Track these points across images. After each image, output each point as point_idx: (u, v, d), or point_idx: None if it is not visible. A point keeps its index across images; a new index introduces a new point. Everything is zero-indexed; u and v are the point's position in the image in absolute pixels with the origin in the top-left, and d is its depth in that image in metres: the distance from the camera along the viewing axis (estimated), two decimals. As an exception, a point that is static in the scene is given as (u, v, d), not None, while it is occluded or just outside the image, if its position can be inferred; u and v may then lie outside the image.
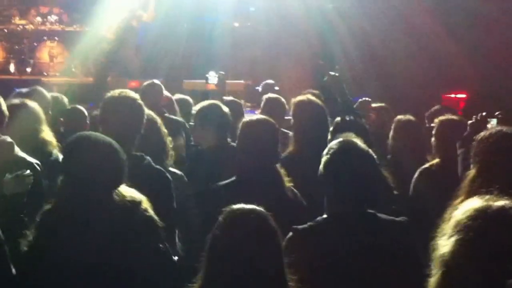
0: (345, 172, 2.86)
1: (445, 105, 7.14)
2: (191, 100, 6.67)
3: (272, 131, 3.68)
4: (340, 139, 3.02)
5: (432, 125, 4.60)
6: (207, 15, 11.84)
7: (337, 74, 4.61)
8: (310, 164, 3.31)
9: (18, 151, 3.87)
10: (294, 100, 4.66)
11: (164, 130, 4.33)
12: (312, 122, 4.38)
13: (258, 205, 2.51)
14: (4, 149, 3.78)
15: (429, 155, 4.55)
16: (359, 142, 2.99)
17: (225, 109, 4.77)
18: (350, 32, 10.62)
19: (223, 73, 6.67)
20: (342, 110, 4.37)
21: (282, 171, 3.63)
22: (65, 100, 6.08)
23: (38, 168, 3.86)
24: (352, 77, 8.95)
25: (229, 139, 4.65)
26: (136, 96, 3.89)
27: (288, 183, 3.61)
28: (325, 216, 2.90)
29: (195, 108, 5.07)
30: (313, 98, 4.66)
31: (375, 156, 2.96)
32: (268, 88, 7.52)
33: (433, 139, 4.39)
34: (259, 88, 7.81)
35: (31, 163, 3.83)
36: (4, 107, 3.95)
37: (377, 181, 3.10)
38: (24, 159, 3.84)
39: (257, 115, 4.37)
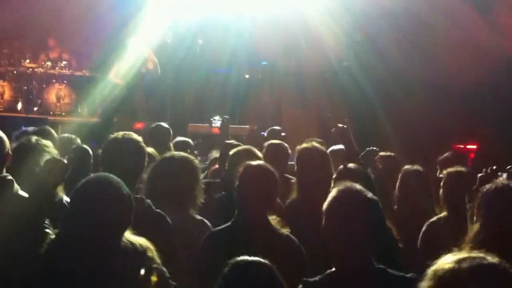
0: (346, 221, 2.76)
1: (457, 151, 7.01)
2: (191, 142, 6.64)
3: (269, 178, 3.56)
4: (341, 186, 2.92)
5: (440, 175, 4.49)
6: (219, 66, 11.98)
7: (345, 126, 4.55)
8: (313, 212, 3.19)
9: (18, 189, 3.75)
10: (299, 146, 4.59)
11: (196, 176, 4.20)
12: (316, 169, 4.31)
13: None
14: (4, 187, 3.68)
15: (437, 207, 4.43)
16: (360, 188, 2.89)
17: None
18: (360, 86, 10.63)
19: (227, 117, 6.67)
20: (346, 158, 4.27)
21: (277, 220, 3.51)
22: (78, 140, 6.03)
23: (40, 210, 3.72)
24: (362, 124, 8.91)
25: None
26: (139, 138, 3.85)
27: (285, 230, 3.50)
28: (333, 269, 2.79)
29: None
30: (317, 144, 4.60)
31: (379, 204, 2.86)
32: (273, 134, 7.47)
33: (441, 190, 4.30)
34: (265, 134, 7.75)
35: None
36: (7, 146, 3.87)
37: (380, 230, 2.96)
38: (24, 198, 3.69)
39: (258, 161, 4.26)
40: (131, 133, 3.92)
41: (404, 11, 10.29)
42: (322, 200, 2.91)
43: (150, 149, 4.49)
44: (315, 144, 4.61)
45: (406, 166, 4.87)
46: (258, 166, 3.64)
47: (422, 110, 9.90)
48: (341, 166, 4.11)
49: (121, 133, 3.86)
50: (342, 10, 10.65)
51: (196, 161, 4.25)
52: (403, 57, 10.25)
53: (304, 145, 4.57)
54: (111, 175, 2.96)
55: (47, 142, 4.37)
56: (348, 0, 10.68)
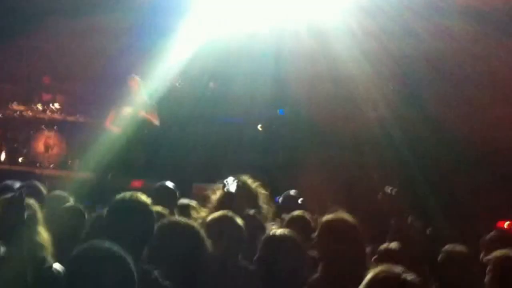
0: None
1: (502, 231, 6.91)
2: (194, 204, 6.56)
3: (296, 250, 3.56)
4: (378, 269, 2.93)
5: (487, 257, 4.42)
6: (230, 115, 12.00)
7: (394, 190, 4.51)
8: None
9: (3, 252, 3.81)
10: (322, 219, 4.49)
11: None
12: (344, 246, 4.20)
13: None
14: None
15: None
16: (399, 272, 2.88)
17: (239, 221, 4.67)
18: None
19: (245, 180, 6.59)
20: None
21: None
22: (70, 199, 6.00)
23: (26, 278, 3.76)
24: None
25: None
26: (148, 201, 3.86)
27: None
28: None
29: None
30: (343, 217, 4.45)
31: None
32: (289, 201, 7.40)
33: (488, 276, 4.25)
34: (279, 200, 7.68)
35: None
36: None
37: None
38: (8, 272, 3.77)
39: (281, 230, 4.20)
40: (138, 194, 3.92)
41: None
42: (351, 281, 2.92)
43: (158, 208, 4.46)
44: (339, 216, 4.46)
45: (448, 246, 4.77)
46: (282, 236, 3.67)
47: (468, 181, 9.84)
48: (382, 246, 4.07)
49: (128, 193, 3.88)
50: (379, 51, 10.72)
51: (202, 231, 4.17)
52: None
53: (330, 216, 4.45)
54: (110, 244, 2.92)
55: (32, 203, 4.37)
56: (386, 40, 10.74)
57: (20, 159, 11.98)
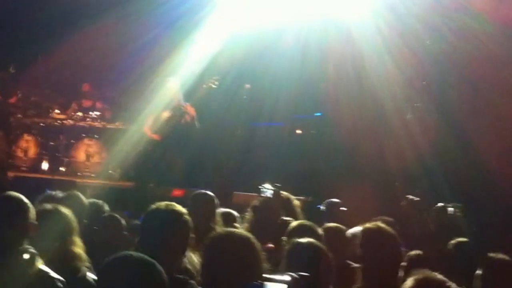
0: None
1: None
2: (235, 214, 6.64)
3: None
4: (420, 276, 2.99)
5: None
6: (266, 118, 12.03)
7: (416, 199, 4.53)
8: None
9: (41, 263, 3.90)
10: (363, 228, 4.56)
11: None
12: (383, 255, 4.26)
13: None
14: (26, 261, 3.83)
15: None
16: (442, 279, 2.96)
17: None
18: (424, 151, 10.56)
19: (279, 185, 6.68)
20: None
21: None
22: (106, 207, 6.13)
23: (60, 285, 3.87)
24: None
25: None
26: (184, 210, 3.93)
27: None
28: None
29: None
30: (384, 226, 4.54)
31: None
32: (332, 208, 7.44)
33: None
34: (323, 207, 7.71)
35: (53, 279, 3.86)
36: (31, 215, 4.02)
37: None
38: (46, 274, 3.88)
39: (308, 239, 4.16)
40: (174, 204, 3.99)
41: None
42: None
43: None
44: (381, 225, 4.56)
45: (491, 255, 4.74)
46: (309, 243, 3.77)
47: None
48: (412, 252, 4.08)
49: (163, 203, 3.94)
50: (406, 51, 10.71)
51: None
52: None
53: (369, 225, 4.54)
54: (142, 255, 2.98)
55: (69, 213, 4.48)
56: (413, 40, 10.73)
57: (61, 169, 12.22)
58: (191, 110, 10.86)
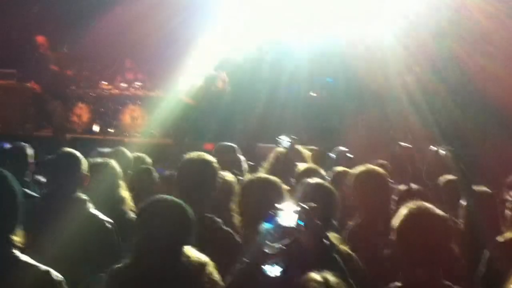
0: (422, 238, 2.85)
1: None
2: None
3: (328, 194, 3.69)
4: (413, 205, 2.99)
5: (507, 197, 4.39)
6: (283, 84, 12.07)
7: (408, 146, 4.51)
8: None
9: (91, 207, 3.97)
10: (354, 171, 4.52)
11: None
12: (371, 192, 4.26)
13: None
14: (77, 206, 3.91)
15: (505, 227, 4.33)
16: (432, 207, 2.96)
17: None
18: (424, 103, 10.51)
19: (295, 137, 6.68)
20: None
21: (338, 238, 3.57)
22: (148, 159, 6.18)
23: (110, 226, 3.94)
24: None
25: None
26: (212, 159, 3.97)
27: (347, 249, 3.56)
28: (399, 284, 2.88)
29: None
30: (372, 167, 4.52)
31: (449, 222, 2.95)
32: (340, 155, 7.45)
33: (508, 212, 4.22)
34: (332, 154, 7.72)
35: (102, 221, 3.93)
36: (85, 167, 4.10)
37: (447, 250, 3.03)
38: (96, 216, 3.95)
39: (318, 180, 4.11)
40: (204, 154, 4.02)
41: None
42: (383, 222, 3.00)
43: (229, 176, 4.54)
44: (371, 167, 4.54)
45: (474, 187, 4.74)
46: (318, 184, 3.76)
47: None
48: (403, 186, 4.10)
49: (195, 153, 3.98)
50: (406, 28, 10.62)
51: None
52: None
53: (361, 168, 4.49)
54: (172, 198, 3.10)
55: (114, 164, 4.58)
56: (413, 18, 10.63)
57: (111, 130, 12.36)
58: (224, 77, 10.95)
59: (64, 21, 12.82)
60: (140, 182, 5.33)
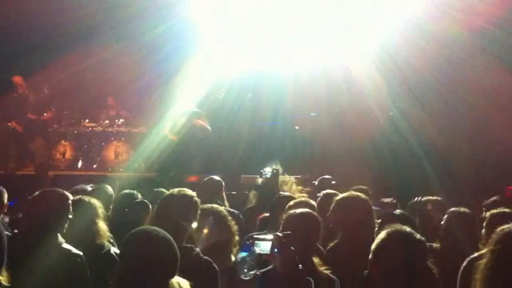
0: (398, 261, 2.94)
1: (507, 195, 6.94)
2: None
3: (310, 225, 3.78)
4: (392, 228, 3.09)
5: (484, 215, 4.49)
6: (268, 119, 12.26)
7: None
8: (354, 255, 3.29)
9: (62, 242, 4.05)
10: (336, 197, 4.63)
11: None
12: (350, 217, 4.36)
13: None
14: (50, 242, 3.98)
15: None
16: (410, 230, 3.06)
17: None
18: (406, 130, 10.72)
19: (277, 168, 6.85)
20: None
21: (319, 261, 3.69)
22: (136, 195, 6.25)
23: (78, 260, 4.02)
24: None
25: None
26: (193, 194, 4.13)
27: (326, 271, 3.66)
28: None
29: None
30: (355, 193, 4.63)
31: (426, 245, 3.03)
32: (324, 182, 7.59)
33: (483, 230, 4.31)
34: (315, 182, 7.85)
35: (73, 255, 4.01)
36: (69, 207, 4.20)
37: (425, 271, 3.12)
38: (67, 250, 4.02)
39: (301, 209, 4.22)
40: (185, 189, 4.18)
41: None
42: (363, 245, 3.06)
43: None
44: (353, 192, 4.65)
45: (453, 209, 4.85)
46: (301, 213, 3.87)
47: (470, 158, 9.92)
48: (386, 212, 4.20)
49: (176, 189, 4.15)
50: (387, 62, 10.85)
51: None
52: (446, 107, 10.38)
53: (343, 195, 4.59)
54: (158, 230, 3.09)
55: (94, 201, 4.68)
56: (392, 52, 10.87)
57: (94, 166, 12.40)
58: (202, 122, 11.10)
59: (43, 61, 12.91)
60: (134, 216, 5.40)
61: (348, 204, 4.42)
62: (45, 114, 12.76)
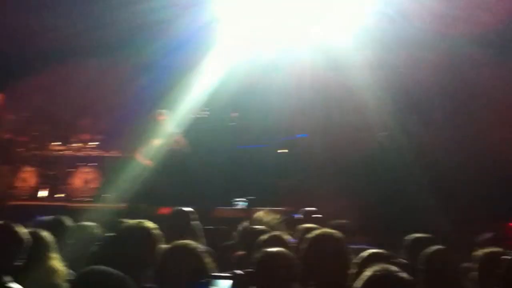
0: None
1: (502, 232, 6.75)
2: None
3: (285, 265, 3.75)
4: (378, 267, 2.98)
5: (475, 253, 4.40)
6: (253, 141, 11.97)
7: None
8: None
9: (9, 281, 3.81)
10: (310, 235, 4.40)
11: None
12: (325, 256, 4.16)
13: None
14: None
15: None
16: (396, 270, 2.95)
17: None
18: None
19: (252, 198, 6.68)
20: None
21: None
22: (98, 230, 5.88)
23: None
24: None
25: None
26: (153, 226, 3.98)
27: None
28: None
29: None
30: (329, 231, 4.41)
31: (414, 285, 2.96)
32: (307, 215, 7.51)
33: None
34: (300, 216, 7.58)
35: None
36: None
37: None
38: None
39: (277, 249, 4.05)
40: (145, 221, 4.05)
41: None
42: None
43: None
44: (327, 230, 4.45)
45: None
46: (276, 253, 3.80)
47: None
48: (366, 252, 4.19)
49: (135, 221, 4.04)
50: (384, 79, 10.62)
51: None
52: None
53: (316, 232, 4.40)
54: (110, 269, 2.87)
55: (46, 235, 4.48)
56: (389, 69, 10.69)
57: (59, 195, 11.95)
58: (181, 141, 10.75)
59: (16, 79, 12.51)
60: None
61: (319, 244, 4.23)
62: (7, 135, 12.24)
